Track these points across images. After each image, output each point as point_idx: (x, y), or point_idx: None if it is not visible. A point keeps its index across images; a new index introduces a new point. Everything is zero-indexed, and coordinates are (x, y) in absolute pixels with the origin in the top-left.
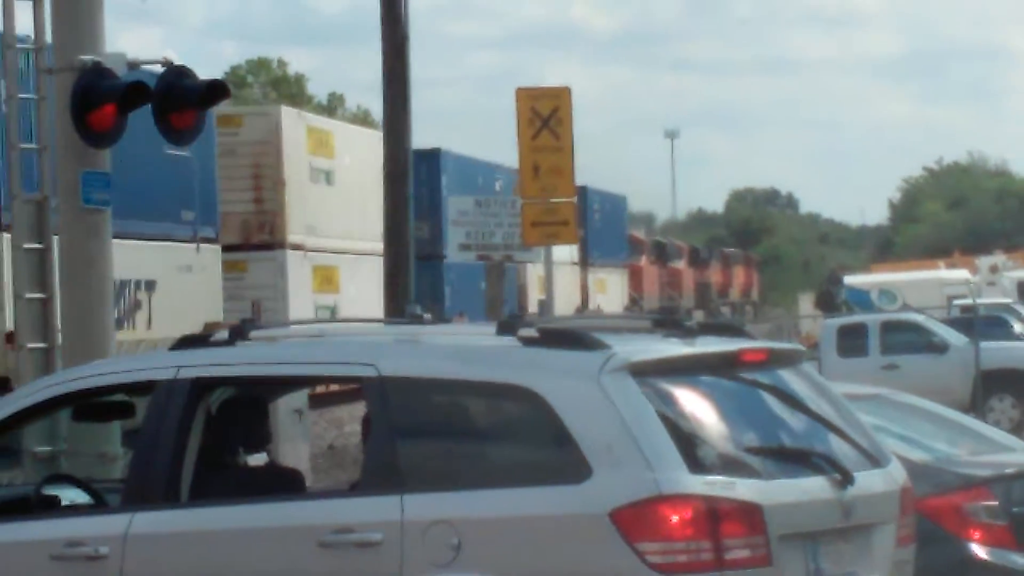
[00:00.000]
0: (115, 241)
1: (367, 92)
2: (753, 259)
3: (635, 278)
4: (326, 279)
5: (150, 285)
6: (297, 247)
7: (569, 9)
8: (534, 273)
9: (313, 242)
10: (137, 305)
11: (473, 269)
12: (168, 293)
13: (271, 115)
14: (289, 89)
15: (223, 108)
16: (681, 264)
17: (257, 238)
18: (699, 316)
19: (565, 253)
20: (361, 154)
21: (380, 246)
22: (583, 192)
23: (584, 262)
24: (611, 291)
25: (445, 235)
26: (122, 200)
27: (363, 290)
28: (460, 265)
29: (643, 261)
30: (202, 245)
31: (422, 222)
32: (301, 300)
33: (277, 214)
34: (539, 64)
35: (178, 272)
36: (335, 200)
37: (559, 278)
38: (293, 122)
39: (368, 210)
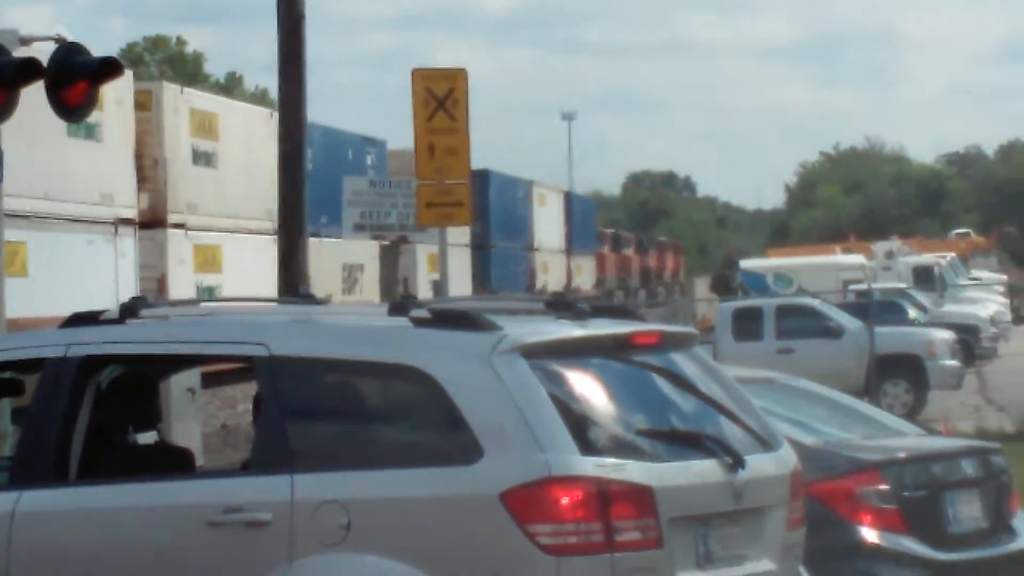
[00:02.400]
0: None
1: (264, 71)
2: (680, 246)
3: (599, 263)
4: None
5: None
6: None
7: None
8: (541, 260)
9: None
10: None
11: (515, 255)
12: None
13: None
14: (186, 68)
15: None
16: (630, 251)
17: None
18: (642, 295)
19: (556, 243)
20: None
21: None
22: (568, 197)
23: (569, 251)
24: (586, 275)
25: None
26: None
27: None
28: (502, 252)
29: (605, 250)
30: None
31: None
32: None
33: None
34: (434, 45)
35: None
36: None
37: (554, 264)
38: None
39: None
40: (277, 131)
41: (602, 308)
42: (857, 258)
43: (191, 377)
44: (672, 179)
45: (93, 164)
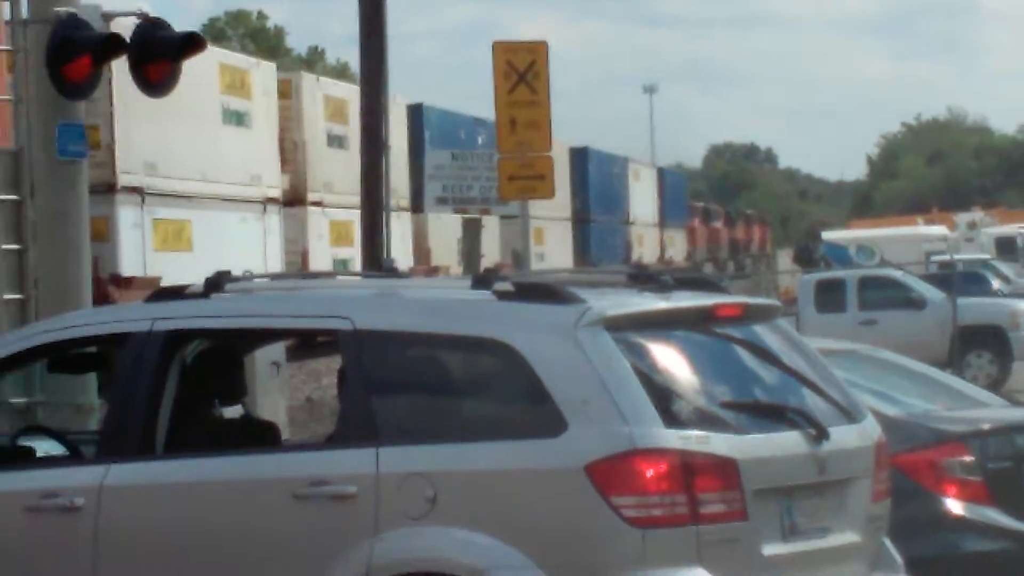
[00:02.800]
0: None
1: (345, 45)
2: (766, 219)
3: (690, 236)
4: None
5: None
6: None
7: None
8: (636, 233)
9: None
10: None
11: (612, 228)
12: None
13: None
14: (268, 42)
15: None
16: (719, 224)
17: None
18: (731, 267)
19: (650, 216)
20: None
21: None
22: (661, 172)
23: (662, 224)
24: (678, 247)
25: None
26: None
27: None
28: (601, 226)
29: (696, 223)
30: None
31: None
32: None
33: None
34: (516, 18)
35: None
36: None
37: (648, 237)
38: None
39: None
40: (403, 115)
41: (685, 280)
42: (940, 229)
43: (276, 351)
44: (754, 151)
45: (243, 148)
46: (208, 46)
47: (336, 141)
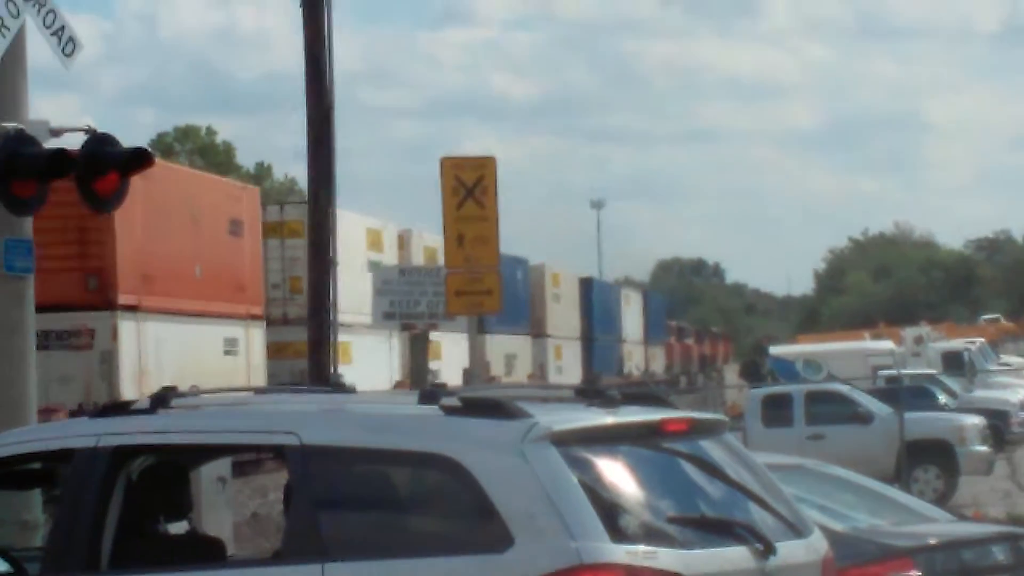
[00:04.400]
0: None
1: (293, 160)
2: (728, 336)
3: (668, 351)
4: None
5: None
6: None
7: (489, 79)
8: (627, 350)
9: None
10: None
11: (610, 346)
12: None
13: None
14: (217, 157)
15: None
16: (691, 341)
17: None
18: (700, 378)
19: (637, 335)
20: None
21: None
22: (646, 296)
23: (646, 342)
24: (658, 361)
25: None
26: None
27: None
28: (601, 344)
29: (672, 340)
30: None
31: None
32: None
33: None
34: (460, 133)
35: None
36: None
37: (635, 353)
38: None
39: None
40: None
41: (632, 395)
42: (887, 344)
43: (222, 466)
44: (701, 266)
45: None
46: (154, 160)
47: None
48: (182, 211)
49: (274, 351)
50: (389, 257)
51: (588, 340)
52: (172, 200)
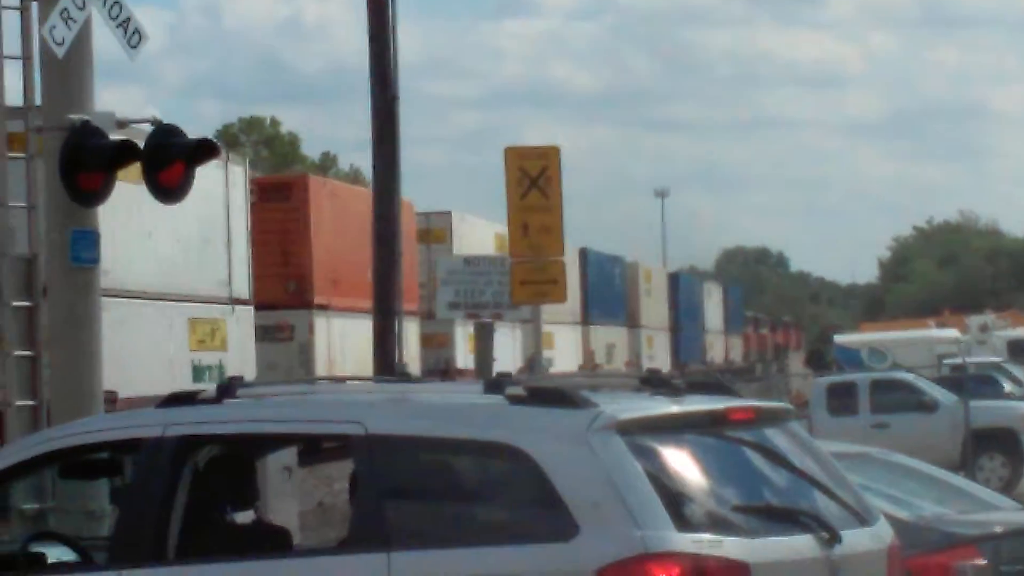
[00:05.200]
0: None
1: (357, 150)
2: (802, 323)
3: (745, 341)
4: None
5: None
6: None
7: (550, 69)
8: (708, 339)
9: None
10: None
11: (693, 335)
12: None
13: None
14: (282, 148)
15: None
16: (766, 331)
17: None
18: (774, 366)
19: (717, 325)
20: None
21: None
22: (725, 289)
23: (725, 331)
24: (736, 350)
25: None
26: None
27: None
28: (687, 334)
29: (749, 330)
30: None
31: None
32: None
33: None
34: (523, 124)
35: None
36: None
37: (716, 342)
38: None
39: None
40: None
41: (697, 384)
42: (951, 332)
43: (288, 455)
44: (765, 255)
45: None
46: (220, 151)
47: None
48: (356, 223)
49: (423, 341)
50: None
51: (675, 331)
52: (350, 214)
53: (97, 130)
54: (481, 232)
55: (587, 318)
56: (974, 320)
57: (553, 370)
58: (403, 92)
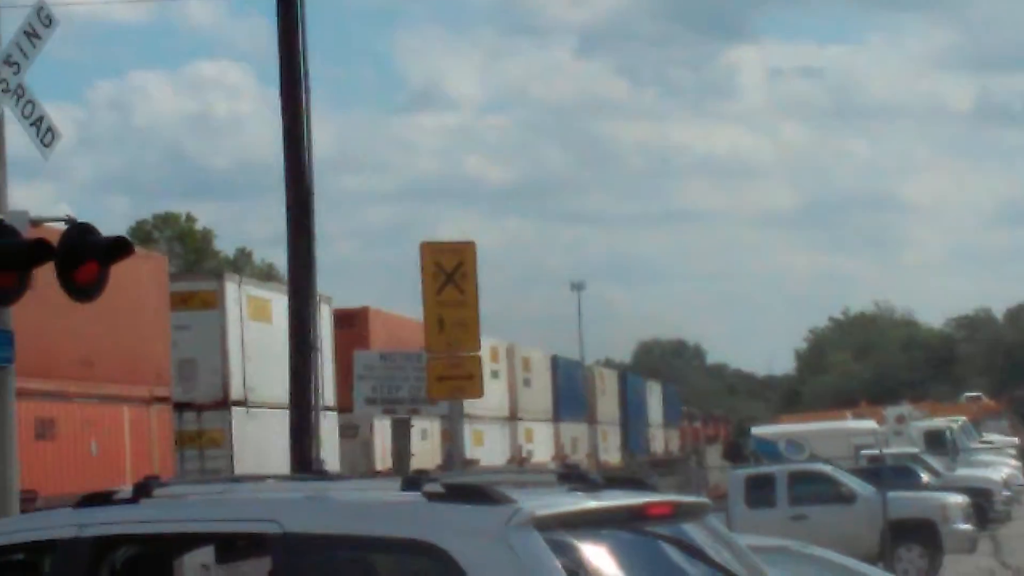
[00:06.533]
0: None
1: (271, 246)
2: (729, 418)
3: (682, 434)
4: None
5: None
6: None
7: (462, 163)
8: (651, 432)
9: None
10: None
11: (640, 429)
12: None
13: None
14: (196, 244)
15: None
16: (699, 424)
17: None
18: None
19: (658, 419)
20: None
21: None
22: (664, 387)
23: (665, 425)
24: (674, 442)
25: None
26: None
27: None
28: (634, 427)
29: (685, 423)
30: None
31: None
32: None
33: None
34: (437, 217)
35: None
36: None
37: (657, 435)
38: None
39: None
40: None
41: (614, 479)
42: (869, 423)
43: (205, 553)
44: (682, 347)
45: None
46: (134, 249)
47: None
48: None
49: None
50: (502, 367)
51: (625, 425)
52: (396, 340)
53: (11, 229)
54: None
55: (557, 416)
56: (891, 411)
57: (515, 463)
58: (316, 186)
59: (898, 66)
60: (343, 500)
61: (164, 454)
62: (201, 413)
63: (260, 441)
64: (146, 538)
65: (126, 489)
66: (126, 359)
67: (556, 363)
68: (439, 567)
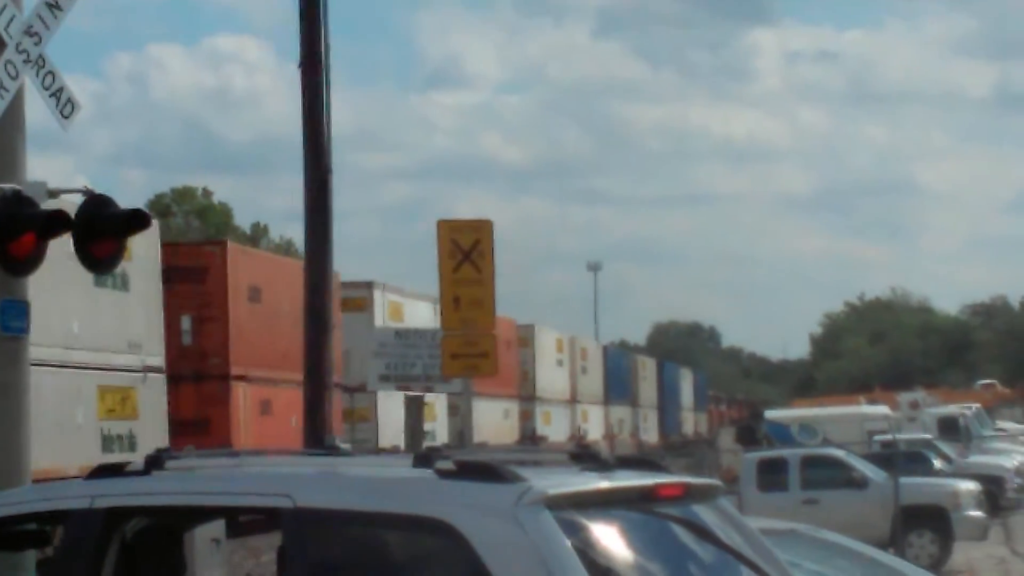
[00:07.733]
0: None
1: (288, 221)
2: (753, 401)
3: (709, 417)
4: None
5: None
6: None
7: (480, 142)
8: (684, 415)
9: None
10: None
11: (674, 412)
12: None
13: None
14: (215, 219)
15: None
16: (724, 407)
17: None
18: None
19: (689, 403)
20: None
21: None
22: (694, 373)
23: (695, 409)
24: (703, 424)
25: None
26: None
27: None
28: (669, 410)
29: (711, 407)
30: None
31: None
32: None
33: None
34: (454, 196)
35: None
36: None
37: (688, 418)
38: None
39: None
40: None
41: (627, 459)
42: (882, 409)
43: (216, 527)
44: (697, 329)
45: None
46: (152, 222)
47: None
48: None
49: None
50: (565, 356)
51: (661, 408)
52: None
53: (28, 199)
54: (546, 337)
55: (608, 399)
56: (905, 397)
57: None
58: (335, 164)
59: (917, 51)
60: (355, 476)
61: (338, 426)
62: (353, 395)
63: (396, 417)
64: (158, 510)
65: (138, 461)
66: None
67: (607, 352)
68: (449, 544)
